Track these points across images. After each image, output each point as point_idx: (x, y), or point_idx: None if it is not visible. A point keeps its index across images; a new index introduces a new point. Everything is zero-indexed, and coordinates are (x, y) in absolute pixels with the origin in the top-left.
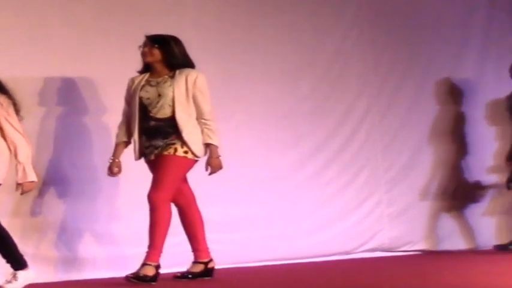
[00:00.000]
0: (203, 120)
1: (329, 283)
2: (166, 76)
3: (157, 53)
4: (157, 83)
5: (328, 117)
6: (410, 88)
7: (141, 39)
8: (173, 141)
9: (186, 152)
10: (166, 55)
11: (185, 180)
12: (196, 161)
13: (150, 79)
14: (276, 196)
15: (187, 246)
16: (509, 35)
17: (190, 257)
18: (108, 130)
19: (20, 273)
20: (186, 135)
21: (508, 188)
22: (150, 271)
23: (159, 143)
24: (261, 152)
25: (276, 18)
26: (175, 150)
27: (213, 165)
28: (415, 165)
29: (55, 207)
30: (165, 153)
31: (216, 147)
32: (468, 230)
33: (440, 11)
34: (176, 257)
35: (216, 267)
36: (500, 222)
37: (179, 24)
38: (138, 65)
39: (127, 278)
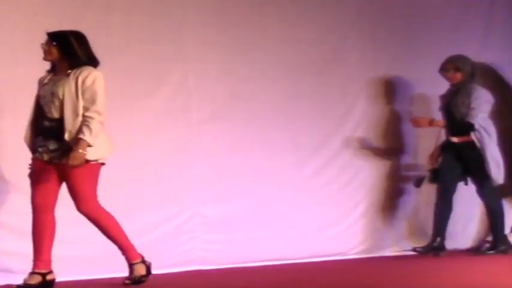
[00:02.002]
0: (85, 117)
1: (329, 283)
2: (64, 75)
3: (55, 51)
4: (54, 82)
5: (328, 117)
6: (410, 88)
7: (142, 39)
8: (68, 146)
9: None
10: (65, 53)
11: (57, 183)
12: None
13: (52, 77)
14: (276, 196)
15: (187, 246)
16: (509, 35)
17: (190, 257)
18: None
19: None
20: (68, 136)
21: (416, 185)
22: (141, 269)
23: (54, 146)
24: (261, 152)
25: (277, 18)
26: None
27: (73, 157)
28: None
29: None
30: (69, 162)
31: (86, 142)
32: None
33: (441, 12)
34: (179, 257)
35: (217, 267)
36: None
37: (180, 24)
38: (139, 64)
39: (124, 283)
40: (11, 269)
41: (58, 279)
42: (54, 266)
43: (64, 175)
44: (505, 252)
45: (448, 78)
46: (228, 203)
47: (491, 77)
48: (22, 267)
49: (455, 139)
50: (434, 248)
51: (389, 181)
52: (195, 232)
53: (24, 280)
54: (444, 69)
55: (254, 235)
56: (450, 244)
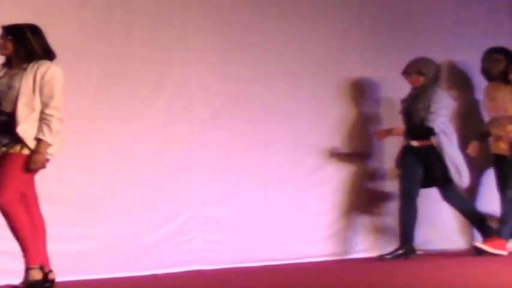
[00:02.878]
0: (43, 114)
1: (329, 283)
2: (20, 68)
3: (10, 45)
4: (11, 76)
5: (327, 116)
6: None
7: (143, 39)
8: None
9: (22, 148)
10: (20, 47)
11: (31, 181)
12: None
13: (8, 71)
14: (277, 196)
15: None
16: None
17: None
18: None
19: None
20: (20, 130)
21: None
22: (37, 275)
23: (6, 140)
24: (261, 152)
25: (277, 18)
26: (19, 148)
27: (34, 161)
28: None
29: None
30: (11, 151)
31: (46, 143)
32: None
33: (441, 12)
34: (180, 257)
35: (217, 267)
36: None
37: (180, 24)
38: (139, 64)
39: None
40: (11, 269)
41: (58, 279)
42: (54, 266)
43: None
44: (406, 256)
45: (410, 82)
46: (229, 203)
47: None
48: (22, 267)
49: (415, 143)
50: (403, 253)
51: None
52: (196, 232)
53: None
54: (407, 72)
55: (254, 235)
56: (448, 244)
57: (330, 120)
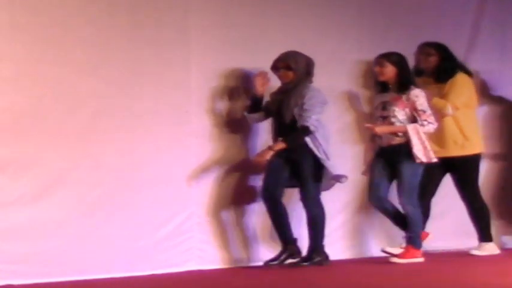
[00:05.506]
0: None
1: (329, 283)
2: None
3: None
4: None
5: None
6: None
7: (143, 39)
8: None
9: None
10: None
11: None
12: None
13: None
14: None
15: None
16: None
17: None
18: None
19: None
20: None
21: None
22: None
23: None
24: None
25: (277, 19)
26: None
27: None
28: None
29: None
30: None
31: None
32: None
33: (440, 12)
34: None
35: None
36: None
37: (181, 25)
38: (140, 64)
39: None
40: (11, 269)
41: (58, 279)
42: (54, 266)
43: None
44: (320, 263)
45: (279, 77)
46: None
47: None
48: (22, 267)
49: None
50: (288, 255)
51: None
52: (192, 232)
53: None
54: (275, 67)
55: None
56: (446, 245)
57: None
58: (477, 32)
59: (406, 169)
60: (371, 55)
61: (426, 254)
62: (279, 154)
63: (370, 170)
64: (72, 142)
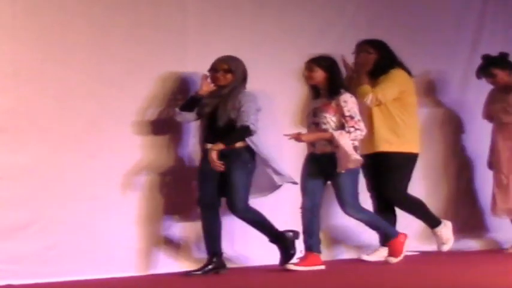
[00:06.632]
0: None
1: (329, 283)
2: None
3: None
4: None
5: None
6: None
7: (143, 39)
8: None
9: None
10: None
11: None
12: None
13: None
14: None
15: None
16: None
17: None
18: None
19: None
20: None
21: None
22: None
23: None
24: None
25: (275, 18)
26: None
27: None
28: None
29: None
30: None
31: None
32: None
33: (439, 12)
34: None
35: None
36: None
37: (181, 24)
38: (140, 65)
39: None
40: (11, 269)
41: (58, 279)
42: (53, 266)
43: None
44: (216, 271)
45: (216, 79)
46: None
47: None
48: (22, 267)
49: (210, 146)
50: (214, 267)
51: None
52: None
53: None
54: (214, 69)
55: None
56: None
57: None
58: (480, 32)
59: (344, 178)
60: None
61: (426, 254)
62: (204, 161)
63: (303, 176)
64: (72, 142)
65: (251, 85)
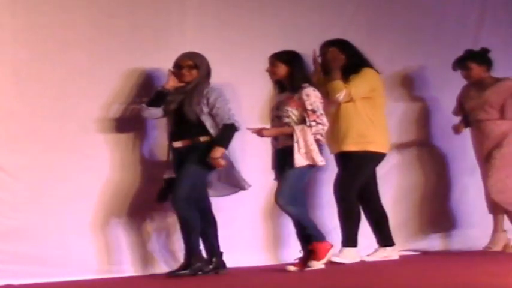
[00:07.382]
0: None
1: (329, 283)
2: None
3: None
4: None
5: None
6: (407, 86)
7: (143, 38)
8: None
9: None
10: None
11: None
12: None
13: None
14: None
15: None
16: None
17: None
18: None
19: None
20: None
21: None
22: None
23: None
24: (261, 151)
25: (275, 17)
26: None
27: None
28: (411, 164)
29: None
30: None
31: None
32: None
33: (438, 11)
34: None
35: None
36: None
37: (180, 24)
38: (143, 62)
39: None
40: (11, 269)
41: (57, 279)
42: (53, 266)
43: None
44: (201, 270)
45: (181, 76)
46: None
47: None
48: (22, 267)
49: (179, 143)
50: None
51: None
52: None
53: None
54: (179, 65)
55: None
56: (445, 245)
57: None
58: (480, 32)
59: (293, 171)
60: (371, 55)
61: (426, 254)
62: (177, 159)
63: (273, 170)
64: (72, 142)
65: (251, 85)
